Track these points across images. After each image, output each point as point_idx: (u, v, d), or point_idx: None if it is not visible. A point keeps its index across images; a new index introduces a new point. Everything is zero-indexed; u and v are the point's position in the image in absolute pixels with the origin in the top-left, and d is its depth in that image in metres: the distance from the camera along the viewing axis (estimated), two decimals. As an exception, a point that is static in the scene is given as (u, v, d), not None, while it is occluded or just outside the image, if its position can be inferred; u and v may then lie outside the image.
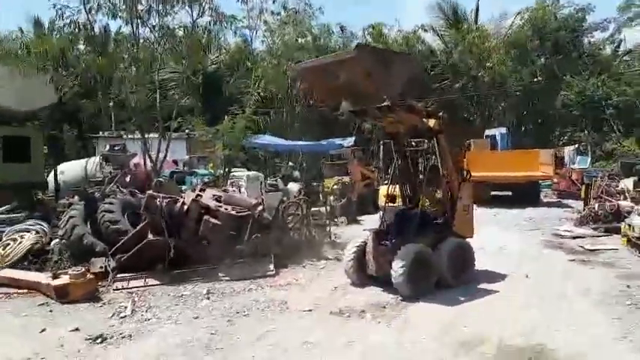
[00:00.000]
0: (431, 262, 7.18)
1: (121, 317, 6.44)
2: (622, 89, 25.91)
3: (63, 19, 11.47)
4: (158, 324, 6.23)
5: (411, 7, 59.50)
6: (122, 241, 8.46)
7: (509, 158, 19.17)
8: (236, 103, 20.50)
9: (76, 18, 11.38)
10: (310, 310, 6.62)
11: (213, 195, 9.06)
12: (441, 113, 7.86)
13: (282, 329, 5.94)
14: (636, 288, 7.12)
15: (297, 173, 21.41)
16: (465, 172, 8.43)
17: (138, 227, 8.61)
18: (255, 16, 12.97)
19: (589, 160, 21.59)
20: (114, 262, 8.15)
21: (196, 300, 7.13)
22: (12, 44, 20.25)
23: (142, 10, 11.82)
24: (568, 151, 23.37)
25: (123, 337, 5.75)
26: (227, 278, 8.05)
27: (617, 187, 14.70)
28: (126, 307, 6.75)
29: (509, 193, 18.84)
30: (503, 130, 24.00)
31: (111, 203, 9.39)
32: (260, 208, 9.30)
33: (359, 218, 14.99)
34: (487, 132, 24.14)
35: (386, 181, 8.79)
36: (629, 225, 9.89)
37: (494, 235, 11.65)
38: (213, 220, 8.35)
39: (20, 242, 8.93)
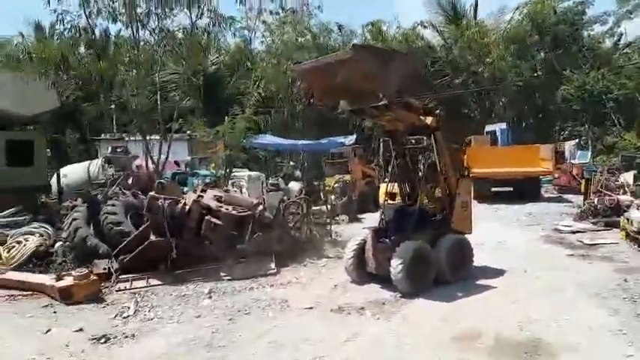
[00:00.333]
0: (429, 258, 7.26)
1: (124, 317, 6.55)
2: (622, 82, 25.85)
3: (63, 24, 11.62)
4: (161, 323, 6.34)
5: (410, 4, 59.34)
6: (125, 242, 8.59)
7: (510, 154, 19.21)
8: (237, 103, 20.62)
9: (77, 22, 11.52)
10: (311, 308, 6.72)
11: (215, 195, 9.14)
12: (438, 111, 7.93)
13: (282, 327, 6.05)
14: (634, 281, 7.19)
15: (298, 172, 21.49)
16: (463, 169, 8.52)
17: (140, 228, 8.73)
18: (253, 17, 13.01)
19: (590, 154, 21.60)
20: (117, 263, 8.27)
21: (198, 299, 7.24)
22: (13, 49, 20.39)
23: (141, 14, 11.94)
24: (569, 145, 23.37)
25: (126, 337, 5.86)
26: (229, 277, 8.15)
27: (617, 181, 14.72)
28: (129, 308, 6.86)
29: (510, 189, 18.89)
30: (504, 125, 24.02)
31: (113, 205, 9.53)
32: (261, 207, 9.40)
33: (360, 216, 15.06)
34: (487, 128, 24.19)
35: (386, 179, 8.84)
36: (628, 219, 9.93)
37: (494, 231, 11.72)
38: (214, 220, 8.45)
39: (25, 245, 9.07)
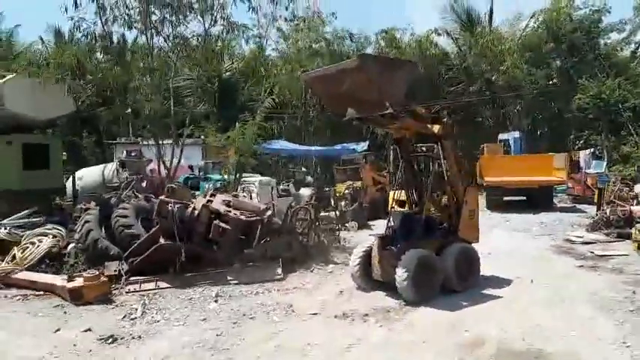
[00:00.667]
0: (435, 267, 7.26)
1: (132, 319, 6.66)
2: (639, 92, 25.52)
3: (80, 31, 11.91)
4: (167, 325, 6.44)
5: (423, 11, 59.43)
6: (135, 245, 8.73)
7: (523, 163, 19.10)
8: (250, 109, 20.81)
9: (93, 30, 11.80)
10: (315, 314, 6.77)
11: (224, 200, 9.26)
12: (445, 119, 7.95)
13: (286, 331, 6.11)
14: (642, 294, 7.12)
15: (309, 178, 21.58)
16: (471, 177, 8.53)
17: (150, 232, 8.87)
18: (265, 25, 13.21)
19: (605, 164, 21.29)
20: (127, 266, 8.41)
21: (205, 303, 7.33)
22: (32, 55, 20.85)
23: (155, 21, 12.17)
24: (584, 155, 23.06)
25: (133, 338, 5.97)
26: (236, 282, 8.24)
27: (631, 191, 14.53)
28: (137, 309, 6.98)
29: (523, 198, 18.76)
30: (517, 134, 23.85)
31: (125, 208, 9.68)
32: (269, 213, 9.49)
33: (370, 223, 15.08)
34: (500, 136, 24.03)
35: (396, 186, 8.89)
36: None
37: (503, 240, 11.68)
38: (222, 225, 8.55)
39: (38, 246, 9.25)
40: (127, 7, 11.78)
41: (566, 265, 9.31)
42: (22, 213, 11.03)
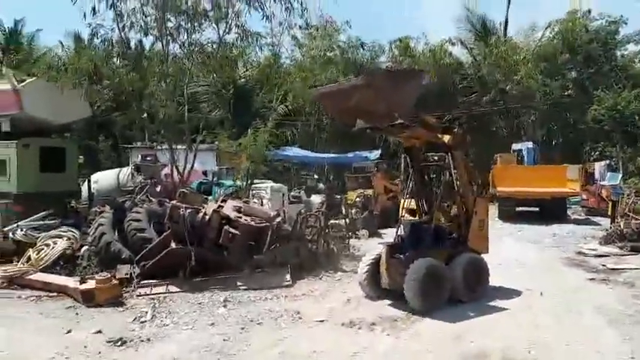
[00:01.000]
0: (443, 276, 7.25)
1: (142, 322, 6.75)
2: (656, 104, 25.24)
3: (98, 38, 12.18)
4: (176, 329, 6.52)
5: (438, 21, 59.41)
6: (147, 248, 8.85)
7: (536, 173, 18.96)
8: (264, 116, 21.02)
9: (110, 36, 12.05)
10: (322, 321, 6.80)
11: (234, 206, 9.36)
12: (456, 129, 7.97)
13: (292, 338, 6.15)
14: (653, 308, 7.04)
15: (321, 185, 21.65)
16: (481, 188, 8.52)
17: (162, 236, 8.98)
18: (278, 33, 13.38)
19: (620, 176, 21.07)
20: (138, 269, 8.52)
21: (214, 307, 7.40)
22: (52, 60, 21.27)
23: (171, 28, 12.39)
24: (599, 166, 22.87)
25: (142, 341, 6.04)
26: (244, 287, 8.31)
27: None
28: (146, 312, 7.07)
29: (536, 209, 18.62)
30: (530, 144, 23.70)
31: (138, 212, 9.82)
32: (279, 219, 9.56)
33: (381, 231, 15.08)
34: (514, 146, 23.89)
35: (407, 195, 8.91)
36: (653, 244, 9.72)
37: (514, 251, 11.62)
38: (232, 230, 8.64)
39: (53, 247, 9.42)
40: (143, 14, 12.02)
41: (577, 278, 9.24)
42: (38, 215, 11.23)
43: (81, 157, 19.88)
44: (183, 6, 12.14)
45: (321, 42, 24.66)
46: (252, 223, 8.96)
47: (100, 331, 6.30)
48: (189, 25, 12.36)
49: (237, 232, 8.63)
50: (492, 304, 7.39)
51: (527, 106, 27.64)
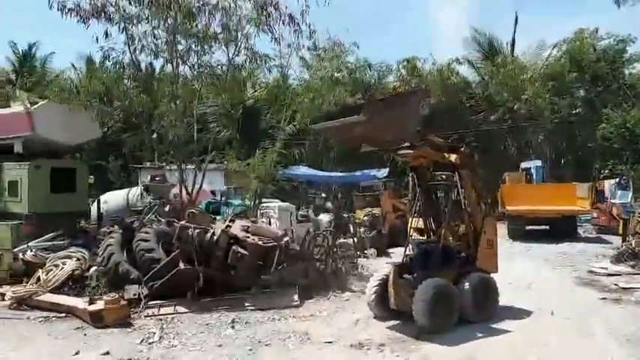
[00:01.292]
0: (452, 297, 7.19)
1: (150, 343, 6.75)
2: (665, 122, 25.11)
3: (109, 60, 12.40)
4: (184, 350, 6.51)
5: (445, 40, 59.98)
6: (155, 269, 8.85)
7: (545, 192, 18.85)
8: (272, 136, 21.11)
9: (121, 58, 12.27)
10: (330, 342, 6.76)
11: (242, 225, 9.39)
12: (462, 148, 7.98)
13: (301, 359, 6.10)
14: (666, 329, 6.92)
15: (329, 204, 21.64)
16: (489, 207, 8.48)
17: (170, 256, 9.00)
18: (287, 55, 13.55)
19: (630, 194, 20.86)
20: (147, 289, 8.53)
21: (221, 328, 7.39)
22: (64, 82, 21.66)
23: (181, 50, 12.60)
24: (609, 184, 22.67)
25: (149, 363, 6.04)
26: (252, 307, 8.29)
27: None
28: (154, 334, 7.07)
29: (546, 228, 18.46)
30: (539, 162, 23.59)
31: (146, 232, 9.84)
32: (286, 238, 9.56)
33: (389, 250, 14.98)
34: (522, 165, 23.79)
35: (415, 214, 8.88)
36: (665, 263, 9.59)
37: (524, 270, 11.50)
38: (240, 250, 8.64)
39: (62, 268, 9.47)
40: (154, 37, 12.24)
41: (589, 297, 9.11)
42: (48, 236, 11.33)
43: (91, 177, 20.09)
44: (193, 29, 12.34)
45: (329, 63, 24.87)
46: (260, 242, 8.98)
47: (108, 353, 6.31)
48: (199, 47, 12.55)
49: (245, 251, 8.64)
50: (502, 324, 7.30)
51: (536, 124, 27.57)
